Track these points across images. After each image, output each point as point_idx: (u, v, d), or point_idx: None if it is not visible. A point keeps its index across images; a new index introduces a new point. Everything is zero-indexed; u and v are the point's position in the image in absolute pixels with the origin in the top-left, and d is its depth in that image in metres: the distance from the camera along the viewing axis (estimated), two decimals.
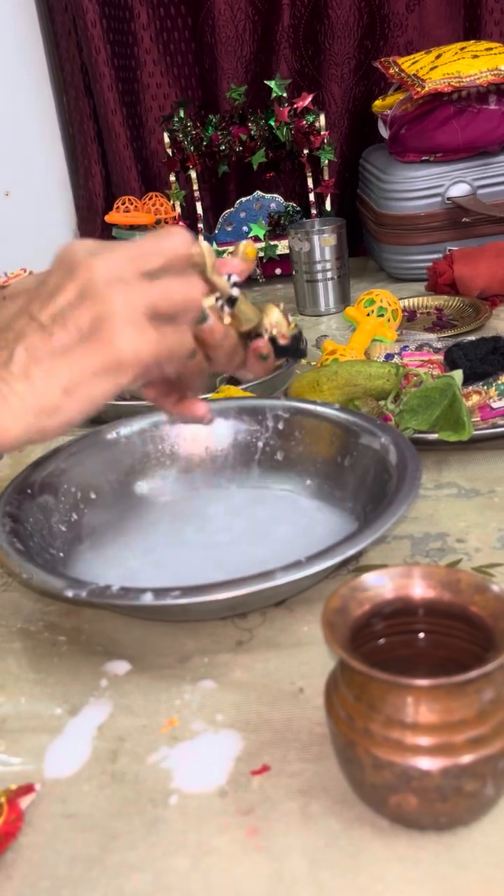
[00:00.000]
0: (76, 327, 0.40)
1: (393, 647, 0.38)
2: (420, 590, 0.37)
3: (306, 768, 0.42)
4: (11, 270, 0.63)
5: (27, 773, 0.43)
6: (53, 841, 0.40)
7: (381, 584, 0.37)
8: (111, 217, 1.23)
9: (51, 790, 0.42)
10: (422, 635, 0.38)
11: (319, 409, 0.66)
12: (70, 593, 0.47)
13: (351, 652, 0.34)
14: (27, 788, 0.41)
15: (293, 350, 0.50)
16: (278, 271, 1.26)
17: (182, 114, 1.21)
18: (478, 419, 0.71)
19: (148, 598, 0.46)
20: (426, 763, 0.32)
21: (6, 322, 0.43)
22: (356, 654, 0.34)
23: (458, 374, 0.69)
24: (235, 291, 0.47)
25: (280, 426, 0.67)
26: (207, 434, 0.68)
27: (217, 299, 0.47)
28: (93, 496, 0.63)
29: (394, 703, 0.33)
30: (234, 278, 0.47)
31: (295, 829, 0.39)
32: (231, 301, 0.47)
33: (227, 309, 0.47)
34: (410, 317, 1.03)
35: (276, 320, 0.49)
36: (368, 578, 0.37)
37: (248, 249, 0.49)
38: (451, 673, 0.32)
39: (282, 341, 0.49)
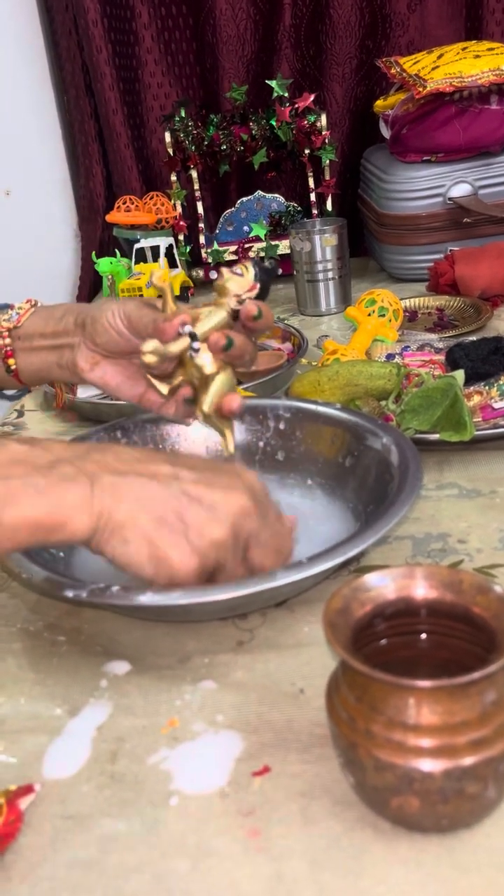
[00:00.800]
0: (183, 514, 0.45)
1: (395, 647, 0.38)
2: (422, 590, 0.36)
3: (307, 769, 0.42)
4: (19, 304, 0.64)
5: (26, 774, 0.43)
6: (53, 842, 0.39)
7: (382, 585, 0.36)
8: (112, 216, 1.23)
9: (50, 791, 0.42)
10: (424, 636, 0.38)
11: (321, 409, 0.65)
12: (70, 594, 0.47)
13: (352, 653, 0.33)
14: (27, 789, 0.41)
15: (265, 281, 0.55)
16: (279, 271, 1.26)
17: (183, 113, 1.21)
18: (479, 419, 0.71)
19: (148, 599, 0.45)
20: (428, 765, 0.32)
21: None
22: (358, 654, 0.34)
23: (459, 375, 0.69)
24: (196, 345, 0.54)
25: (281, 426, 0.66)
26: (208, 434, 0.68)
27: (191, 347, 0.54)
28: None
29: (395, 705, 0.33)
30: (188, 328, 0.53)
31: (296, 830, 0.39)
32: (195, 350, 0.54)
33: (194, 355, 0.54)
34: (411, 317, 1.03)
35: (234, 291, 0.54)
36: (370, 579, 0.37)
37: (160, 280, 0.55)
38: (453, 674, 0.32)
39: (251, 294, 0.54)
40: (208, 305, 0.55)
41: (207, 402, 0.54)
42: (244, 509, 0.47)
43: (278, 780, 0.41)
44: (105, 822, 0.40)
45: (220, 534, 0.45)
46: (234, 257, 1.26)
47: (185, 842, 0.39)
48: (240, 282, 0.54)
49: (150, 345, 0.53)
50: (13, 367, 0.63)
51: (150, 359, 0.53)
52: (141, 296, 1.05)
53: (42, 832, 0.40)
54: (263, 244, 1.25)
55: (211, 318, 0.54)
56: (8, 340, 0.63)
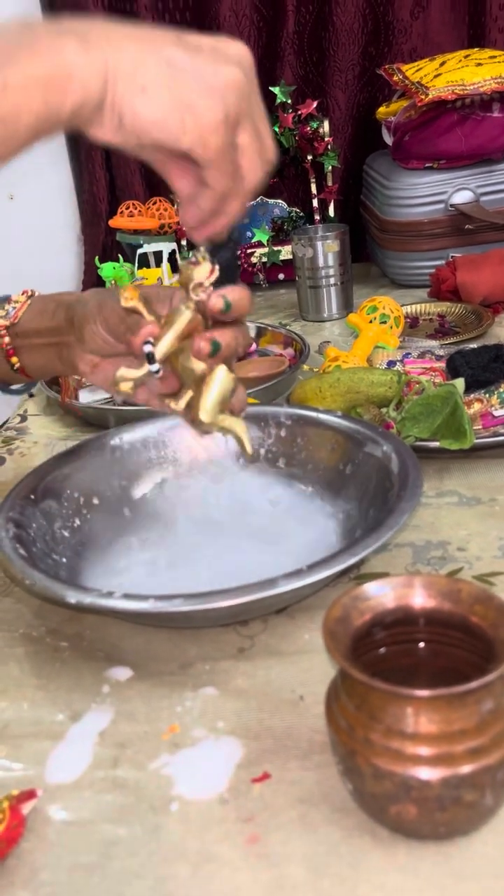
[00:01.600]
0: (198, 64, 0.41)
1: (394, 656, 0.38)
2: (421, 599, 0.37)
3: (306, 776, 0.42)
4: (15, 297, 0.63)
5: (29, 779, 0.44)
6: (55, 847, 0.40)
7: (382, 594, 0.37)
8: (115, 221, 1.24)
9: (52, 796, 0.43)
10: (422, 645, 0.38)
11: (322, 416, 0.66)
12: (73, 600, 0.47)
13: (352, 661, 0.34)
14: (29, 794, 0.41)
15: (228, 259, 0.50)
16: (281, 276, 1.27)
17: None
18: (479, 427, 0.71)
19: (150, 605, 0.46)
20: (426, 773, 0.33)
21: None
22: (357, 663, 0.34)
23: (459, 383, 0.70)
24: (154, 367, 0.49)
25: (282, 433, 0.67)
26: (209, 440, 0.68)
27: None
28: (95, 501, 0.63)
29: (394, 713, 0.33)
30: (148, 347, 0.48)
31: (295, 837, 0.39)
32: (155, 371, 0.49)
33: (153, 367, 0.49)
34: (413, 323, 1.03)
35: (197, 280, 0.48)
36: (369, 588, 0.37)
37: (128, 301, 0.49)
38: (452, 683, 0.32)
39: (209, 281, 0.48)
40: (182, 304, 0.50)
41: (205, 408, 0.49)
42: (244, 59, 0.43)
43: (278, 786, 0.42)
44: (106, 827, 0.41)
45: (235, 72, 0.41)
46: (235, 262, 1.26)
47: (185, 847, 0.39)
48: (199, 270, 0.49)
49: (121, 372, 0.50)
50: (17, 365, 0.63)
51: (124, 387, 0.50)
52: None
53: (44, 837, 0.40)
54: (266, 249, 1.26)
55: (172, 325, 0.49)
56: (7, 339, 0.62)
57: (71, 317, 0.58)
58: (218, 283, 0.48)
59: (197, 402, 0.49)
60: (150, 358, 0.48)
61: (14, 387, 0.71)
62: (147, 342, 0.49)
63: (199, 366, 0.49)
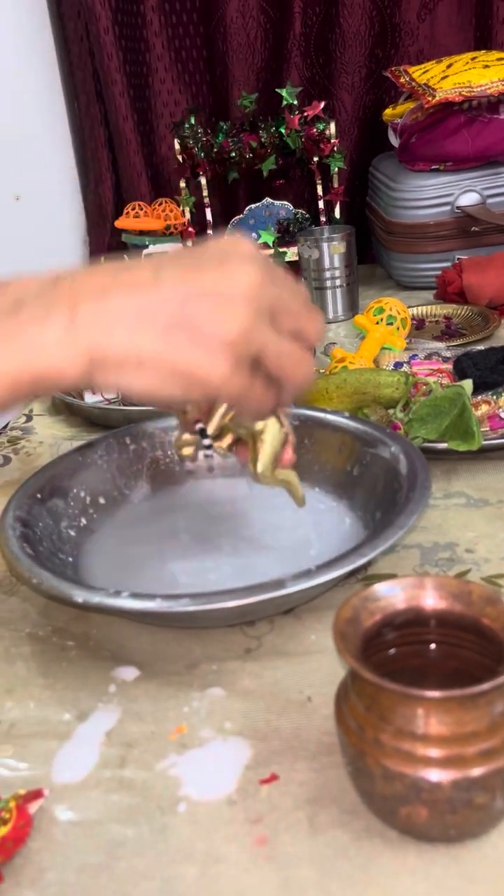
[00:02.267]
0: (192, 315, 0.38)
1: (404, 657, 0.38)
2: (431, 601, 0.37)
3: (314, 778, 0.42)
4: None
5: (35, 778, 0.43)
6: (62, 847, 0.40)
7: (392, 595, 0.37)
8: (121, 222, 1.24)
9: (59, 796, 0.42)
10: (433, 646, 0.38)
11: (329, 417, 0.66)
12: (80, 599, 0.47)
13: (362, 662, 0.34)
14: (36, 794, 0.41)
15: None
16: None
17: (193, 120, 1.22)
18: (487, 429, 0.71)
19: (157, 605, 0.46)
20: (437, 775, 0.32)
21: (128, 262, 0.41)
22: (367, 664, 0.34)
23: (467, 384, 0.69)
24: (206, 442, 0.49)
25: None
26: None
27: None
28: (102, 501, 0.63)
29: (404, 715, 0.33)
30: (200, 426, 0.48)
31: (303, 838, 0.39)
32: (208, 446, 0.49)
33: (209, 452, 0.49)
34: (419, 325, 1.03)
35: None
36: (380, 589, 0.37)
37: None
38: (463, 684, 0.32)
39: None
40: None
41: (264, 463, 0.50)
42: (253, 281, 0.39)
43: (286, 787, 0.41)
44: (113, 827, 0.40)
45: (241, 318, 0.38)
46: None
47: (193, 848, 0.39)
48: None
49: (183, 439, 0.50)
50: None
51: (187, 452, 0.51)
52: None
53: (51, 837, 0.40)
54: (272, 251, 1.26)
55: (215, 410, 0.48)
56: None
57: None
58: None
59: (254, 458, 0.50)
60: (203, 433, 0.48)
61: None
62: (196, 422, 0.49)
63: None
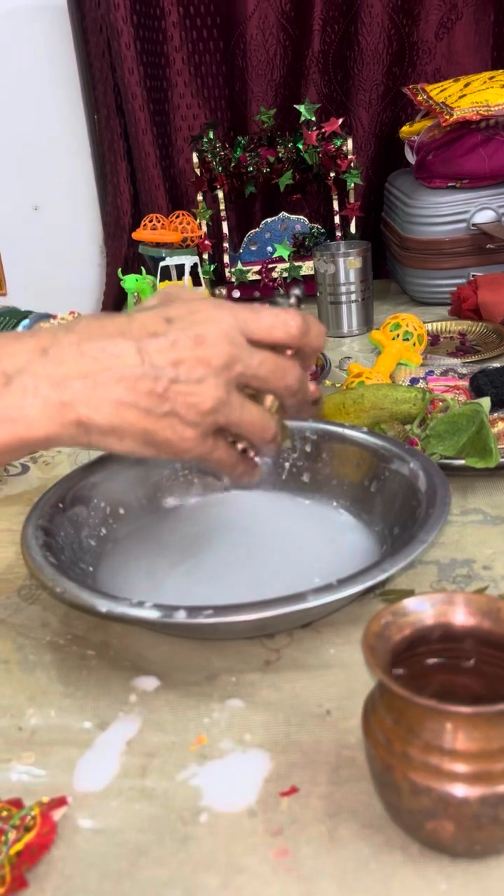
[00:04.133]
0: (173, 401, 0.44)
1: (432, 672, 0.38)
2: (461, 617, 0.37)
3: (335, 791, 0.42)
4: (62, 314, 0.65)
5: (57, 786, 0.44)
6: (85, 854, 0.40)
7: (422, 611, 0.37)
8: (138, 234, 1.25)
9: (81, 804, 0.43)
10: (461, 662, 0.38)
11: (348, 432, 0.66)
12: (104, 609, 0.48)
13: (392, 676, 0.34)
14: (60, 801, 0.41)
15: None
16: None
17: (211, 135, 1.23)
18: (502, 447, 0.71)
19: (181, 616, 0.46)
20: (464, 790, 0.33)
21: (115, 332, 0.45)
22: (397, 678, 0.34)
23: (485, 402, 0.70)
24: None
25: (307, 448, 0.67)
26: None
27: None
28: (121, 511, 0.64)
29: (433, 729, 0.33)
30: None
31: (324, 852, 0.39)
32: None
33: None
34: (433, 341, 1.03)
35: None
36: (409, 604, 0.37)
37: None
38: (491, 701, 0.32)
39: None
40: None
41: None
42: (227, 355, 0.44)
43: (307, 800, 0.42)
44: (136, 836, 0.41)
45: (209, 399, 0.44)
46: (257, 277, 1.27)
47: (215, 859, 0.39)
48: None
49: None
50: None
51: None
52: None
53: (73, 845, 0.40)
54: (287, 265, 1.27)
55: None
56: None
57: None
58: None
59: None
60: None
61: None
62: None
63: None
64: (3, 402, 0.43)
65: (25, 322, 0.66)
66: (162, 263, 1.17)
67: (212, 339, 0.44)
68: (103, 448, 0.45)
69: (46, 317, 0.66)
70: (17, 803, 0.42)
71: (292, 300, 0.51)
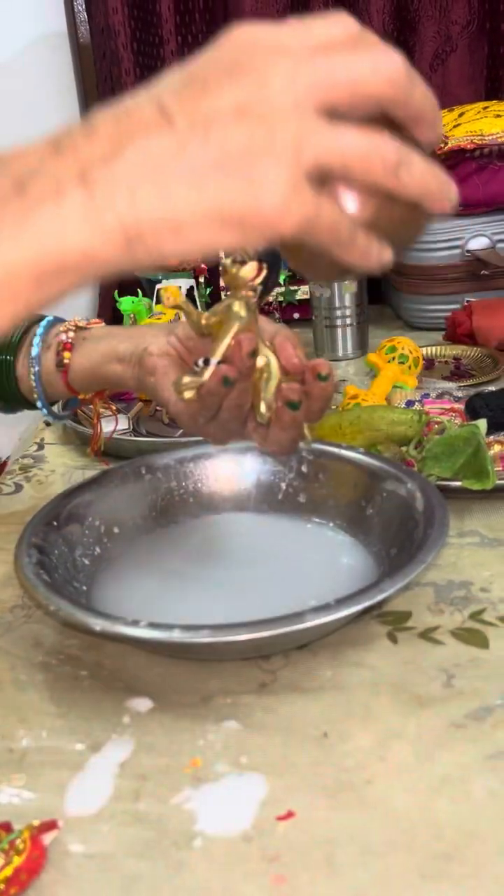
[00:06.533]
0: (220, 147, 0.31)
1: None
2: None
3: (333, 816, 0.41)
4: (77, 317, 0.66)
5: (48, 809, 0.43)
6: (75, 881, 0.39)
7: None
8: None
9: (72, 828, 0.42)
10: None
11: (344, 452, 0.66)
12: (98, 627, 0.47)
13: None
14: (50, 825, 0.40)
15: (272, 266, 0.49)
16: (296, 316, 1.28)
17: None
18: (500, 469, 0.71)
19: (177, 635, 0.45)
20: None
21: (124, 103, 0.33)
22: None
23: (482, 423, 0.70)
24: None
25: (304, 468, 0.67)
26: (231, 473, 0.68)
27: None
28: (116, 530, 0.63)
29: None
30: (200, 363, 0.48)
31: (322, 878, 0.38)
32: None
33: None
34: (428, 365, 1.04)
35: (246, 279, 0.47)
36: None
37: (172, 300, 0.50)
38: None
39: (258, 280, 0.47)
40: (220, 307, 0.49)
41: (265, 403, 0.50)
42: (283, 75, 0.31)
43: (304, 825, 0.41)
44: (128, 862, 0.40)
45: (281, 129, 0.31)
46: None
47: (209, 886, 0.38)
48: (245, 269, 0.46)
49: (185, 379, 0.48)
50: (66, 360, 0.63)
51: (188, 395, 0.49)
52: None
53: (64, 870, 0.39)
54: (282, 289, 1.27)
55: (229, 331, 0.48)
56: (72, 335, 0.64)
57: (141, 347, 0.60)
58: (264, 280, 0.48)
59: (257, 397, 0.51)
60: (206, 362, 0.48)
61: (59, 413, 0.72)
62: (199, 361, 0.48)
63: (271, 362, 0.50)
64: (20, 215, 0.31)
65: (43, 323, 0.66)
66: (158, 286, 1.17)
67: (262, 75, 0.31)
68: (171, 256, 0.33)
69: (60, 320, 0.66)
70: (6, 827, 0.40)
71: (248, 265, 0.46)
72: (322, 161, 0.32)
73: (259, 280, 0.47)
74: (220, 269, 0.48)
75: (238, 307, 0.48)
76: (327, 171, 0.33)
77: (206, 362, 0.48)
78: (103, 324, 0.66)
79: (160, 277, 1.22)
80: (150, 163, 0.31)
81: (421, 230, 0.39)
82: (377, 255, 0.36)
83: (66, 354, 0.64)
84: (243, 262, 0.47)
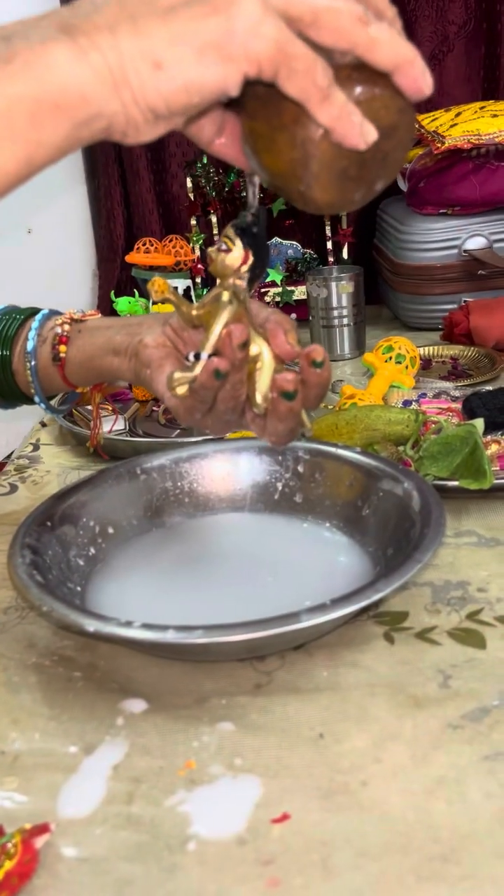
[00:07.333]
0: None
1: None
2: None
3: (328, 818, 0.41)
4: (73, 310, 0.66)
5: (40, 812, 0.42)
6: (68, 885, 0.38)
7: None
8: (131, 257, 1.25)
9: (65, 831, 0.41)
10: None
11: (341, 452, 0.66)
12: (91, 628, 0.46)
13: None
14: (42, 828, 0.40)
15: (259, 251, 0.48)
16: (293, 316, 1.27)
17: (205, 160, 1.24)
18: (496, 469, 0.71)
19: (170, 636, 0.45)
20: None
21: None
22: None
23: (479, 423, 0.70)
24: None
25: (300, 468, 0.67)
26: (227, 473, 0.68)
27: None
28: (111, 531, 0.63)
29: None
30: (192, 356, 0.48)
31: (317, 881, 0.38)
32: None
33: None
34: (425, 364, 1.04)
35: (230, 269, 0.47)
36: None
37: (160, 292, 0.50)
38: None
39: (245, 268, 0.47)
40: (209, 297, 0.49)
41: (261, 392, 0.49)
42: None
43: (298, 827, 0.40)
44: (121, 865, 0.39)
45: None
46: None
47: (203, 889, 0.38)
48: (231, 256, 0.47)
49: (176, 375, 0.48)
50: (62, 354, 0.63)
51: (181, 391, 0.49)
52: None
53: (56, 874, 0.39)
54: (279, 289, 1.27)
55: (218, 321, 0.47)
56: (67, 328, 0.64)
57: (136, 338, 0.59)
58: (252, 267, 0.47)
59: (252, 388, 0.50)
60: (197, 356, 0.48)
61: (58, 407, 0.72)
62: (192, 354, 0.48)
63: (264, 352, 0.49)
64: (7, 58, 0.33)
65: (38, 317, 0.66)
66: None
67: None
68: (157, 95, 0.34)
69: (56, 313, 0.66)
70: None
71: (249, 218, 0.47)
72: (293, 10, 0.34)
73: (246, 268, 0.47)
74: (207, 258, 0.48)
75: (226, 296, 0.48)
76: (297, 19, 0.34)
77: (197, 356, 0.47)
78: (100, 315, 0.66)
79: (156, 276, 1.22)
80: (127, 7, 0.34)
81: (403, 139, 0.40)
82: (359, 126, 0.37)
83: (62, 348, 0.63)
84: (229, 251, 0.47)
